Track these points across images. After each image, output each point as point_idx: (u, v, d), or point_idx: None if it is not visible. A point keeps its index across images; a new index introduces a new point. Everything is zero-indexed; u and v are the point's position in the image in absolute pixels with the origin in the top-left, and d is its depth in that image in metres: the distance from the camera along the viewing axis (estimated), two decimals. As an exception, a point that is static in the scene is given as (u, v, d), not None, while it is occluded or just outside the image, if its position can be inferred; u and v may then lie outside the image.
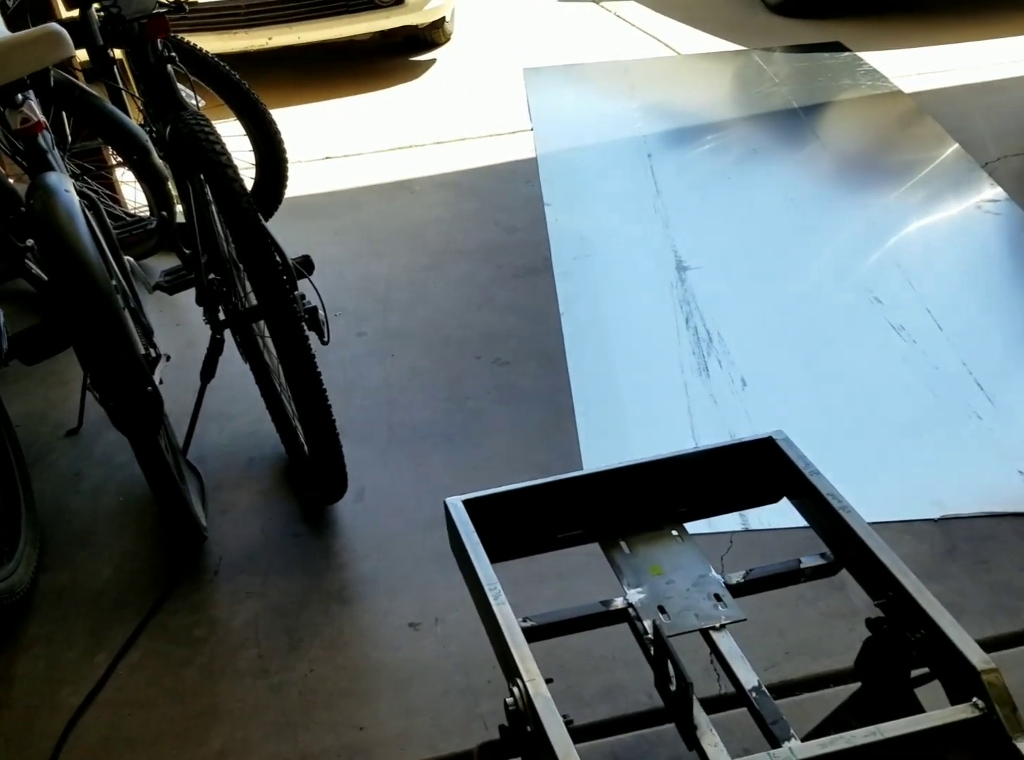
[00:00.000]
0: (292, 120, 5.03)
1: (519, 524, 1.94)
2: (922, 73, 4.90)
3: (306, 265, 2.54)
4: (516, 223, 3.85)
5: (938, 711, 1.41)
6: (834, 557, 1.82)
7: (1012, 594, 2.14)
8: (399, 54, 5.98)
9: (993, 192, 3.71)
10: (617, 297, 3.32)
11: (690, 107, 4.77)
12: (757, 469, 1.97)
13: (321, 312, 2.37)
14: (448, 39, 6.17)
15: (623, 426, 2.73)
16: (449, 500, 1.93)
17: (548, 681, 1.45)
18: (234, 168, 2.15)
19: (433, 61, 5.86)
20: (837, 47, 5.36)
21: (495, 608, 1.63)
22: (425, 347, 3.16)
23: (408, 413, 2.86)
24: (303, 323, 2.24)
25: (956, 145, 4.08)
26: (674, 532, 1.92)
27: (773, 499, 1.99)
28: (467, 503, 1.93)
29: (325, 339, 2.37)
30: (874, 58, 5.11)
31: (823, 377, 2.85)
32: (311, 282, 2.40)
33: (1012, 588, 2.15)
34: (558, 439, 2.71)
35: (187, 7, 2.52)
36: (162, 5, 2.47)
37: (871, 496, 2.42)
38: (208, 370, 2.43)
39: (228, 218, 2.09)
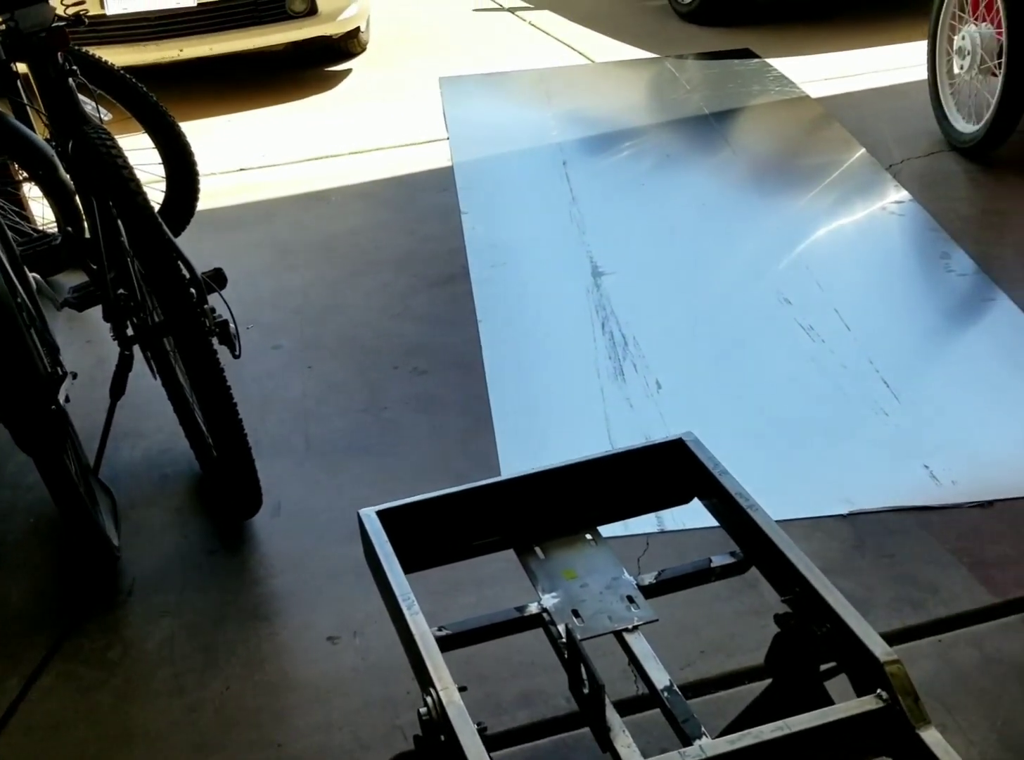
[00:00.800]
0: (206, 132, 4.98)
1: (434, 533, 1.95)
2: (829, 78, 5.01)
3: (218, 278, 2.52)
4: (433, 232, 3.85)
5: (844, 704, 1.44)
6: (744, 555, 1.86)
7: (917, 586, 2.19)
8: (314, 64, 5.94)
9: (897, 194, 3.81)
10: (534, 304, 3.34)
11: (605, 114, 4.82)
12: (668, 471, 2.00)
13: (232, 325, 2.35)
14: (363, 49, 6.15)
15: (541, 432, 2.75)
16: (362, 511, 1.92)
17: (462, 689, 1.45)
18: (136, 182, 2.13)
19: (348, 71, 5.84)
20: (747, 54, 5.45)
21: (408, 618, 1.63)
22: (342, 358, 3.14)
23: (325, 425, 2.85)
24: (212, 337, 2.22)
25: (862, 149, 4.18)
26: (588, 536, 1.94)
27: (684, 500, 2.02)
28: (381, 514, 1.93)
29: (236, 353, 2.35)
30: (782, 64, 5.21)
31: (736, 378, 2.90)
32: (221, 295, 2.38)
33: (917, 581, 2.20)
34: (476, 447, 2.72)
35: (86, 20, 2.48)
36: (61, 18, 2.43)
37: (782, 494, 2.46)
38: (117, 387, 2.40)
39: (131, 232, 2.06)
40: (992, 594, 2.16)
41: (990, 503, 2.39)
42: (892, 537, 2.32)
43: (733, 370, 2.93)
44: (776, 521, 2.38)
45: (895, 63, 5.11)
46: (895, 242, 3.55)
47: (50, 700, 2.08)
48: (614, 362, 3.00)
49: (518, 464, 2.62)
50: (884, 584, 2.20)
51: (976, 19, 3.95)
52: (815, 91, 4.83)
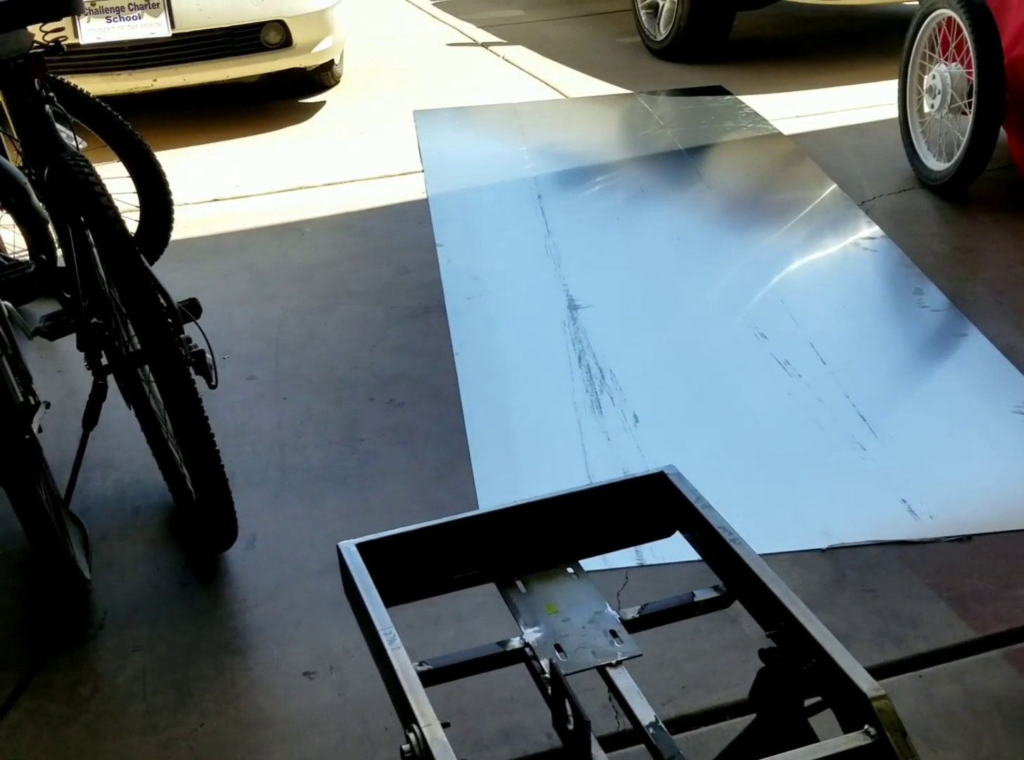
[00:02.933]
0: (180, 162, 4.96)
1: (414, 567, 1.93)
2: (801, 115, 5.07)
3: (193, 308, 2.49)
4: (408, 264, 3.84)
5: (831, 740, 1.43)
6: (727, 589, 1.85)
7: (898, 621, 2.18)
8: (288, 96, 5.95)
9: (870, 230, 3.85)
10: (510, 336, 3.33)
11: (578, 149, 4.85)
12: (650, 504, 1.99)
13: (208, 356, 2.32)
14: (337, 81, 6.16)
15: (518, 465, 2.73)
16: (342, 544, 1.90)
17: (445, 725, 1.43)
18: (115, 209, 2.11)
19: (323, 103, 5.85)
20: (719, 91, 5.51)
21: (390, 653, 1.61)
22: (318, 389, 3.12)
23: (301, 456, 2.82)
24: (189, 367, 2.19)
25: (834, 185, 4.22)
26: (570, 569, 1.92)
27: (666, 533, 2.01)
28: (360, 547, 1.91)
29: (213, 383, 2.32)
30: (755, 101, 5.27)
31: (713, 412, 2.90)
32: (198, 325, 2.35)
33: (898, 615, 2.20)
34: (454, 480, 2.70)
35: (64, 48, 2.47)
36: (39, 45, 2.41)
37: (761, 528, 2.45)
38: (90, 417, 2.36)
39: (109, 261, 2.04)
40: (972, 629, 2.15)
41: (968, 538, 2.40)
42: (872, 571, 2.32)
43: (710, 404, 2.93)
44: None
45: (866, 101, 5.19)
46: (868, 277, 3.58)
47: (18, 737, 2.03)
48: (591, 395, 2.99)
49: (496, 497, 2.60)
50: (865, 619, 2.20)
51: (946, 59, 4.01)
52: (787, 128, 4.88)
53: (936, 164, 4.09)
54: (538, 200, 4.26)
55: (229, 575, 2.42)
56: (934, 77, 4.03)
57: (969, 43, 3.77)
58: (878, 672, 2.07)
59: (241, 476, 2.74)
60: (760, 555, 2.40)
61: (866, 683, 1.48)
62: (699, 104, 5.31)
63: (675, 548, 2.15)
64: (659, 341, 3.26)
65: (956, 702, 1.99)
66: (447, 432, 2.89)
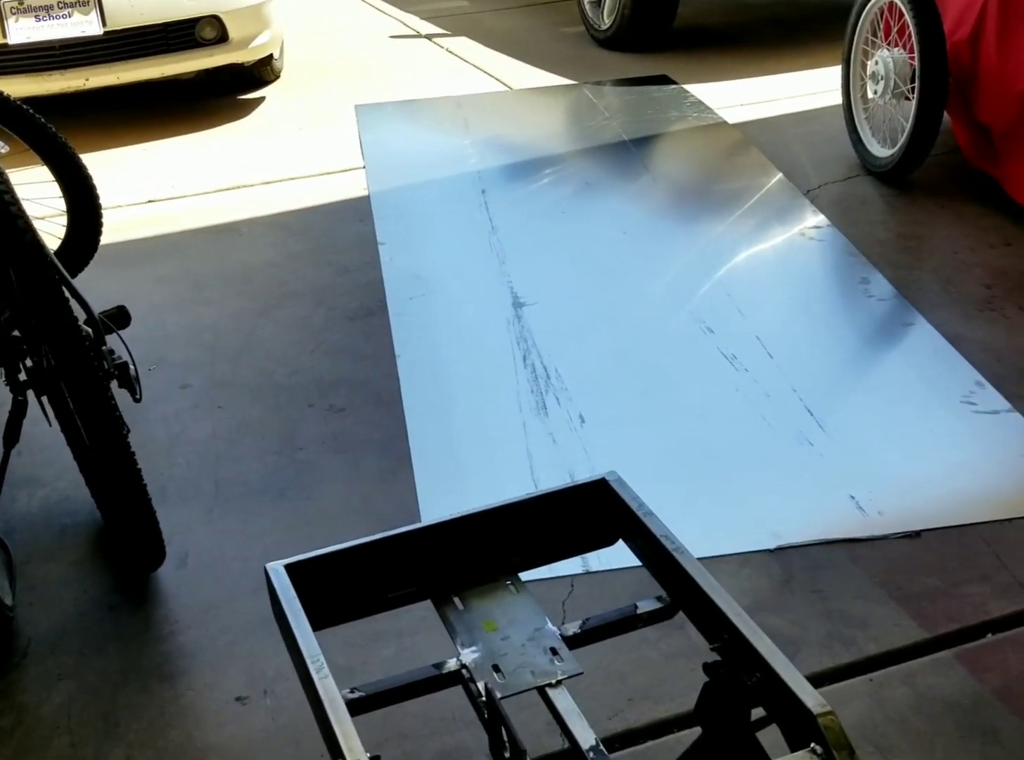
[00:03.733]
0: (115, 162, 4.82)
1: (347, 586, 1.85)
2: (745, 104, 5.02)
3: (120, 317, 2.40)
4: (349, 264, 3.76)
5: (778, 759, 1.38)
6: (670, 600, 1.79)
7: (848, 623, 2.14)
8: (226, 92, 5.82)
9: (816, 219, 3.81)
10: (454, 337, 3.26)
11: (523, 142, 4.77)
12: (592, 512, 1.93)
13: (132, 368, 2.23)
14: (278, 76, 6.04)
15: (462, 471, 2.66)
16: (269, 565, 1.82)
17: (374, 758, 1.36)
18: (25, 219, 2.01)
19: (262, 99, 5.72)
20: (664, 80, 5.46)
21: (317, 683, 1.53)
22: (255, 397, 3.03)
23: (236, 468, 2.73)
24: (109, 381, 2.10)
25: (780, 174, 4.18)
26: (509, 583, 1.86)
27: (609, 542, 1.95)
28: (289, 567, 1.83)
29: (137, 396, 2.23)
30: (699, 90, 5.22)
31: (660, 409, 2.85)
32: (120, 336, 2.26)
33: (848, 616, 2.16)
34: (396, 488, 2.62)
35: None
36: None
37: (708, 529, 2.40)
38: (11, 434, 2.26)
39: (18, 273, 1.94)
40: (923, 629, 2.11)
41: (917, 534, 2.36)
42: (821, 571, 2.28)
43: (657, 402, 2.88)
44: (703, 558, 2.33)
45: (810, 88, 5.15)
46: (815, 268, 3.54)
47: (-65, 777, 1.93)
48: (536, 396, 2.93)
49: (438, 505, 2.53)
50: (815, 621, 2.15)
51: (889, 44, 3.98)
52: (732, 117, 4.84)
53: (880, 151, 4.06)
54: (482, 195, 4.18)
55: (160, 596, 2.33)
56: (877, 63, 3.99)
57: (911, 27, 3.74)
58: (828, 676, 2.03)
59: (174, 490, 2.65)
60: (708, 558, 2.36)
61: (812, 699, 1.43)
62: (644, 94, 5.25)
63: (622, 554, 2.08)
64: (605, 338, 3.20)
65: (908, 707, 1.95)
66: (388, 438, 2.81)
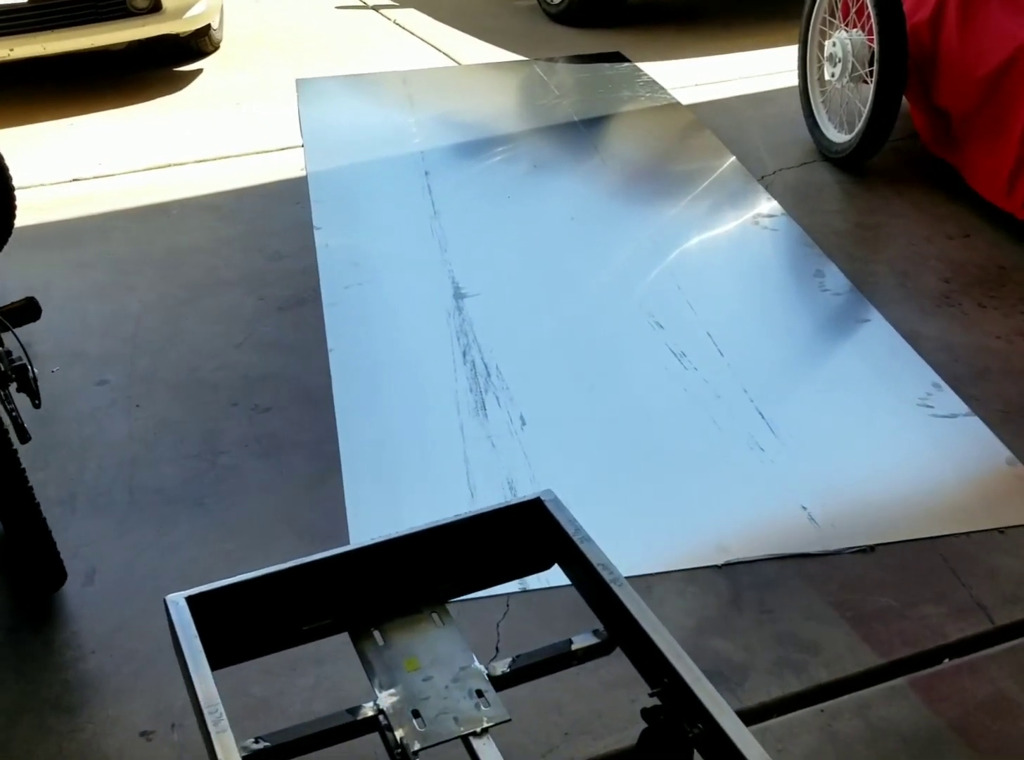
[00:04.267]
0: (39, 139, 4.58)
1: (257, 618, 1.70)
2: (699, 84, 4.87)
3: (27, 310, 2.22)
4: (283, 249, 3.57)
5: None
6: (607, 634, 1.66)
7: (798, 647, 2.02)
8: (162, 64, 5.57)
9: (770, 206, 3.67)
10: (391, 330, 3.09)
11: (470, 120, 4.59)
12: (526, 534, 1.79)
13: (31, 370, 2.05)
14: (216, 48, 5.80)
15: (394, 478, 2.50)
16: (169, 598, 1.67)
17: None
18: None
19: (199, 71, 5.49)
20: (617, 57, 5.29)
21: (213, 736, 1.38)
22: (177, 394, 2.85)
23: (153, 473, 2.55)
24: (5, 386, 1.93)
25: (733, 158, 4.03)
26: (434, 615, 1.72)
27: (544, 566, 1.82)
28: (192, 600, 1.67)
29: (37, 402, 2.06)
30: (653, 69, 5.06)
31: (604, 411, 2.70)
32: (15, 335, 2.07)
33: (798, 640, 2.03)
34: (324, 496, 2.46)
35: None
36: None
37: (653, 543, 2.27)
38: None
39: None
40: (876, 653, 2.00)
41: (871, 548, 2.24)
42: (771, 590, 2.15)
43: (602, 402, 2.74)
44: (647, 574, 2.19)
45: (765, 68, 5.01)
46: (768, 259, 3.41)
47: None
48: (475, 395, 2.77)
49: (367, 515, 2.38)
50: (764, 644, 2.03)
51: (847, 25, 3.84)
52: (685, 97, 4.68)
53: (837, 136, 3.93)
54: (425, 177, 4.00)
55: (63, 617, 2.16)
56: (835, 44, 3.85)
57: (870, 8, 3.60)
58: (777, 707, 1.91)
59: (84, 498, 2.47)
60: (652, 574, 2.22)
61: (755, 753, 1.30)
62: (596, 72, 5.08)
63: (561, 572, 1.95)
64: (550, 333, 3.05)
65: (860, 740, 1.83)
66: (317, 441, 2.65)
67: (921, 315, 3.03)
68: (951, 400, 2.67)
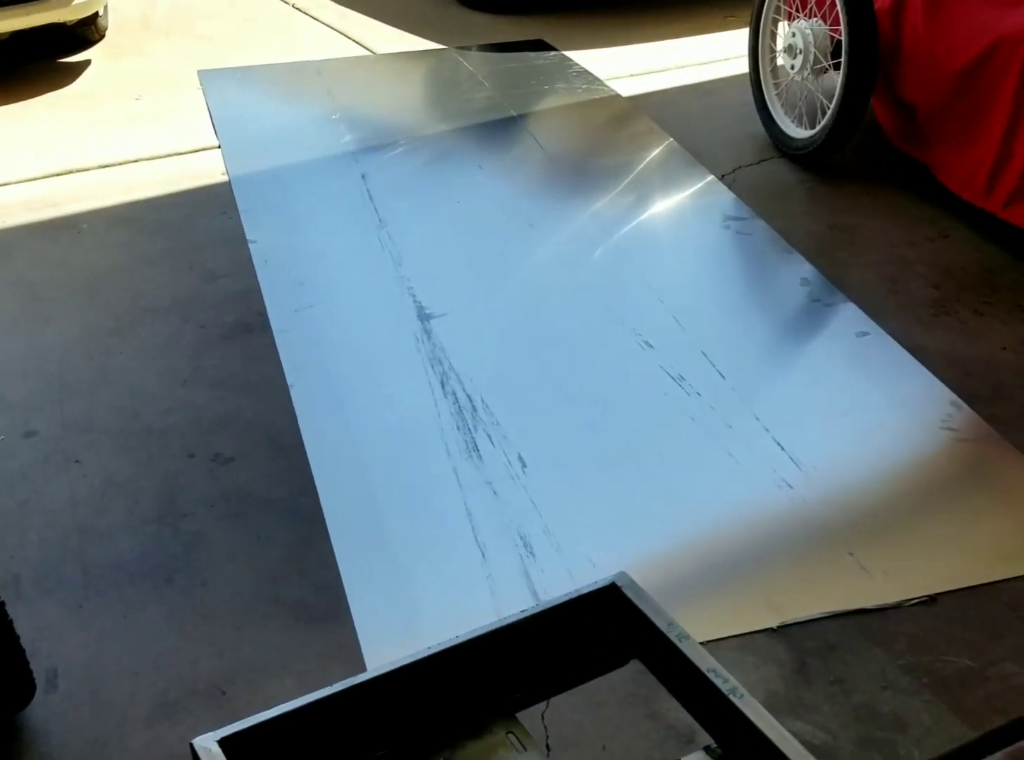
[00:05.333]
0: (-87, 140, 4.10)
1: (301, 756, 1.41)
2: (635, 74, 4.65)
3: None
4: (217, 267, 3.22)
5: None
6: (723, 752, 1.42)
7: (882, 723, 1.82)
8: (44, 55, 5.07)
9: (738, 209, 3.47)
10: (354, 359, 2.78)
11: (400, 116, 4.27)
12: (598, 626, 1.54)
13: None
14: (102, 36, 5.33)
15: (390, 539, 2.21)
16: (198, 743, 1.37)
17: None
18: None
19: (87, 63, 5.02)
20: (542, 46, 5.02)
21: None
22: (120, 445, 2.49)
23: (107, 545, 2.21)
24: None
25: (690, 157, 3.81)
26: (511, 736, 1.45)
27: (619, 662, 1.57)
28: (225, 742, 1.37)
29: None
30: (582, 58, 4.81)
31: (611, 447, 2.46)
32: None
33: (878, 714, 1.83)
34: (311, 563, 2.16)
35: None
36: None
37: (697, 605, 2.04)
38: None
39: None
40: (967, 725, 1.81)
41: (932, 598, 2.06)
42: (835, 655, 1.95)
43: (606, 437, 2.49)
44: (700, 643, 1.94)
45: (698, 57, 4.81)
46: (749, 267, 3.21)
47: None
48: (464, 433, 2.50)
49: (368, 587, 2.09)
50: (843, 723, 1.82)
51: (807, 15, 3.66)
52: (624, 88, 4.45)
53: (798, 131, 3.75)
54: (362, 181, 3.68)
55: (26, 733, 1.82)
56: (794, 35, 3.67)
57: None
58: (874, 798, 1.71)
59: (29, 578, 2.12)
60: (702, 643, 1.98)
61: None
62: (524, 62, 4.81)
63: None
64: (530, 356, 2.79)
65: (973, 833, 1.64)
66: (293, 495, 2.34)
67: (920, 326, 2.87)
68: (974, 421, 2.51)
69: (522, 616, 1.50)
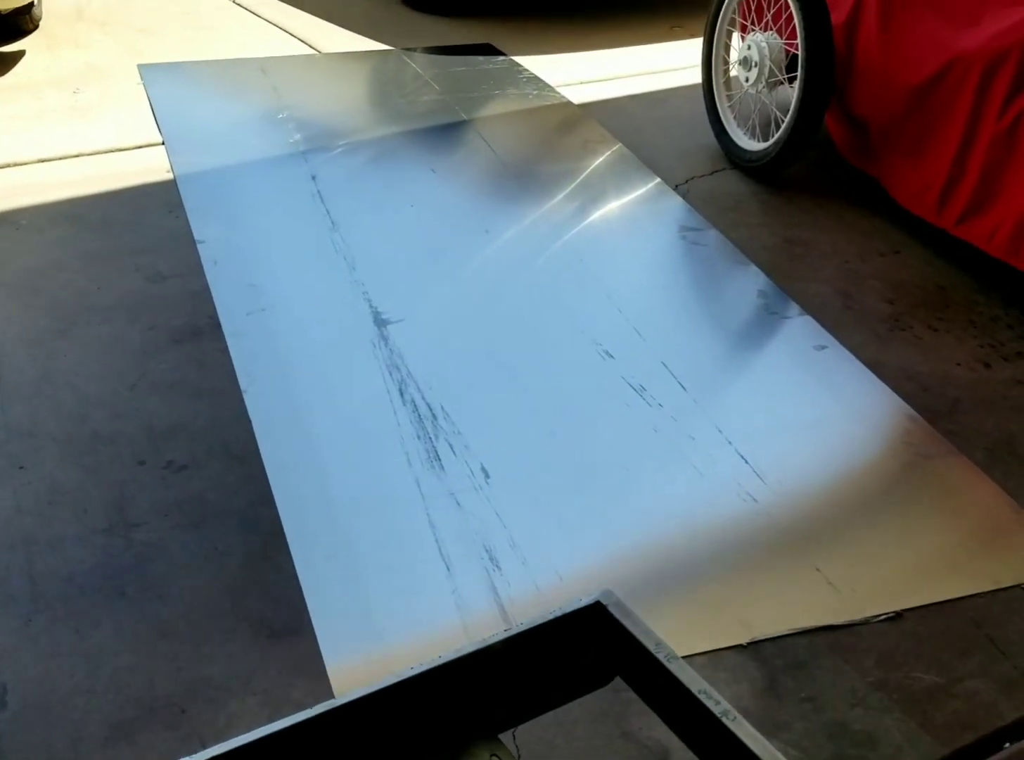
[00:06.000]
0: None
1: (278, 783, 1.35)
2: (585, 82, 4.64)
3: None
4: (164, 268, 3.12)
5: None
6: (713, 777, 1.39)
7: (854, 741, 1.81)
8: (-24, 43, 4.92)
9: (694, 220, 3.47)
10: (310, 365, 2.72)
11: (349, 117, 4.21)
12: (582, 644, 1.51)
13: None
14: (36, 26, 5.17)
15: (352, 551, 2.16)
16: (172, 771, 1.30)
17: None
18: None
19: (21, 53, 4.86)
20: (490, 50, 4.99)
21: None
22: (66, 452, 2.40)
23: (56, 556, 2.12)
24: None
25: (643, 166, 3.81)
26: (494, 757, 1.41)
27: (602, 681, 1.54)
28: (199, 770, 1.30)
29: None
30: (531, 63, 4.78)
31: (573, 458, 2.43)
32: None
33: (849, 732, 1.83)
34: (271, 574, 2.10)
35: None
36: None
37: (665, 620, 2.02)
38: None
39: None
40: (938, 742, 1.82)
41: (899, 614, 2.06)
42: (806, 672, 1.94)
43: (568, 447, 2.46)
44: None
45: (647, 66, 4.82)
46: (707, 278, 3.21)
47: None
48: (425, 442, 2.45)
49: (330, 602, 2.03)
50: (815, 741, 1.81)
51: (763, 28, 3.68)
52: (574, 96, 4.44)
53: (750, 143, 3.77)
54: (313, 182, 3.61)
55: (-27, 758, 1.73)
56: (749, 47, 3.69)
57: (794, 11, 3.45)
58: (849, 818, 1.70)
59: (-27, 593, 2.02)
60: (678, 663, 1.95)
61: None
62: (473, 66, 4.77)
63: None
64: (489, 364, 2.76)
65: (949, 852, 1.63)
66: (250, 505, 2.27)
67: (877, 341, 2.89)
68: (933, 437, 2.53)
69: (506, 635, 1.45)
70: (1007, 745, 1.86)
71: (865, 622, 2.04)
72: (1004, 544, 2.24)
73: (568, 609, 1.49)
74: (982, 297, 3.11)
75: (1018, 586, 2.13)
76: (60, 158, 3.79)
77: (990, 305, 3.07)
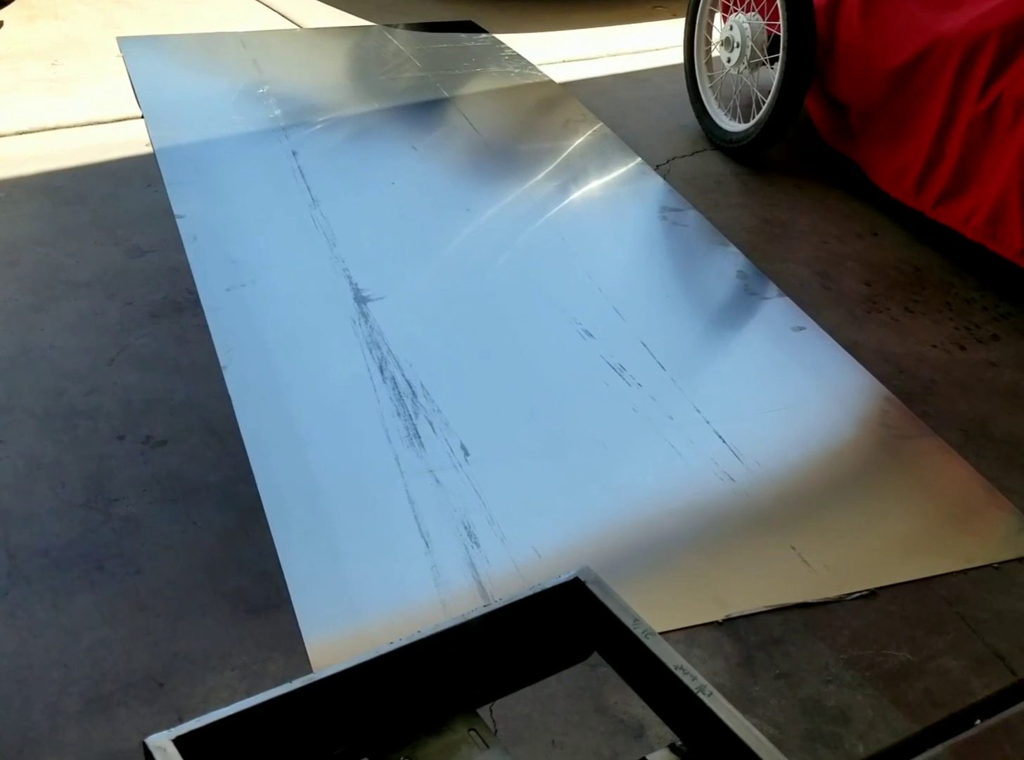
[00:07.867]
0: None
1: (258, 755, 1.36)
2: (567, 60, 4.63)
3: None
4: (143, 242, 3.11)
5: None
6: (689, 749, 1.41)
7: (825, 716, 1.84)
8: (-48, 12, 4.86)
9: (674, 199, 3.48)
10: (290, 341, 2.72)
11: (331, 94, 4.19)
12: (560, 620, 1.51)
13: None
14: (14, -4, 5.11)
15: (331, 527, 2.16)
16: (152, 742, 1.29)
17: None
18: None
19: (0, 24, 4.81)
20: (472, 27, 4.97)
21: None
22: (44, 426, 2.39)
23: (33, 530, 2.12)
24: None
25: (625, 145, 3.81)
26: (473, 733, 1.42)
27: (580, 656, 1.55)
28: (181, 741, 1.31)
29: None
30: (513, 42, 4.77)
31: (553, 437, 2.44)
32: None
33: (823, 708, 1.85)
34: (250, 551, 2.10)
35: None
36: None
37: (641, 597, 2.04)
38: None
39: None
40: (909, 718, 1.84)
41: (873, 593, 2.09)
42: (780, 649, 1.96)
43: (548, 427, 2.47)
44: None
45: (629, 46, 4.82)
46: (686, 258, 3.22)
47: None
48: (404, 420, 2.46)
49: (309, 576, 2.04)
50: (789, 717, 1.84)
51: (745, 9, 3.68)
52: (556, 75, 4.43)
53: (731, 125, 3.78)
54: (293, 158, 3.59)
55: (-50, 731, 1.73)
56: (732, 28, 3.69)
57: (776, -5, 3.45)
58: (821, 791, 1.72)
59: (-50, 566, 2.02)
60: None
61: None
62: (455, 43, 4.74)
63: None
64: (469, 342, 2.76)
65: (918, 826, 1.66)
66: (229, 480, 2.27)
67: (854, 322, 2.91)
68: (908, 418, 2.55)
69: (484, 611, 1.46)
70: (978, 722, 1.90)
71: (839, 600, 2.07)
72: (977, 524, 2.26)
73: (546, 585, 1.50)
74: (958, 280, 3.14)
75: (990, 565, 2.16)
76: (38, 130, 3.76)
77: (966, 287, 3.10)
